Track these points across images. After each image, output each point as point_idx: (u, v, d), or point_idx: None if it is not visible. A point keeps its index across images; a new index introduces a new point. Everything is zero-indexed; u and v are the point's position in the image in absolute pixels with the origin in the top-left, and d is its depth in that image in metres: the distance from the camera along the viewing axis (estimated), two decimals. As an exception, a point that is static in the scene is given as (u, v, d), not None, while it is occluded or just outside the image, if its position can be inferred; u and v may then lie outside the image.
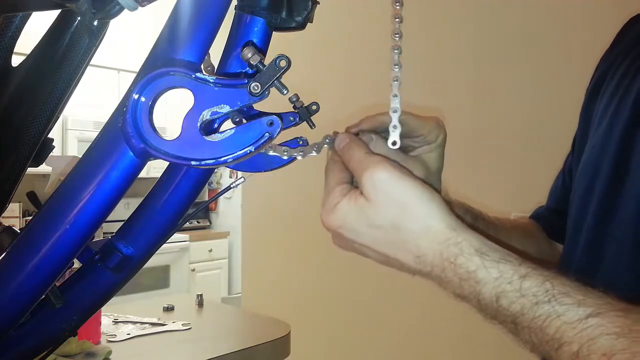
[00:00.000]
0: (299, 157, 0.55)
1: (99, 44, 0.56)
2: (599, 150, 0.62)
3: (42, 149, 0.60)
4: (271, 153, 0.54)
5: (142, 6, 0.45)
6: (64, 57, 0.54)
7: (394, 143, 0.54)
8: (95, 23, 0.53)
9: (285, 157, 0.54)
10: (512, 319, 0.43)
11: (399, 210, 0.47)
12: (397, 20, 0.53)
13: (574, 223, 0.65)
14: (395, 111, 0.54)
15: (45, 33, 0.55)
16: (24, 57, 0.57)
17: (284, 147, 0.54)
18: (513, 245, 0.71)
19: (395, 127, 0.54)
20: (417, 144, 0.58)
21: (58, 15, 0.55)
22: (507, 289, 0.43)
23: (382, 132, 0.57)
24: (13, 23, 0.54)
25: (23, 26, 0.55)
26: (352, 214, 0.48)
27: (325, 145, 0.55)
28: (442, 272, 0.46)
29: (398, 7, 0.53)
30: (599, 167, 0.61)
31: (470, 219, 0.66)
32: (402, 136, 0.56)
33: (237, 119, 0.48)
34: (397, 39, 0.53)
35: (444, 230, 0.46)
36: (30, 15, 0.55)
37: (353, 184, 0.52)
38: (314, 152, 0.55)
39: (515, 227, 0.75)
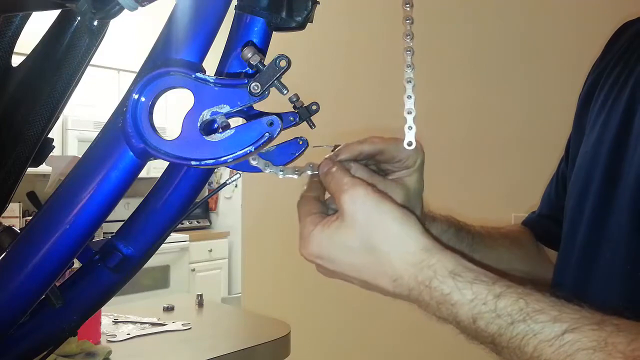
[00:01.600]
0: (279, 176, 0.55)
1: (99, 44, 0.56)
2: (591, 156, 0.62)
3: (42, 149, 0.60)
4: (253, 164, 0.54)
5: (142, 6, 0.45)
6: (64, 57, 0.54)
7: (409, 144, 0.54)
8: (96, 23, 0.53)
9: (266, 171, 0.55)
10: (490, 339, 0.43)
11: (373, 229, 0.47)
12: (408, 22, 0.53)
13: (568, 227, 0.65)
14: (409, 112, 0.54)
15: (45, 33, 0.55)
16: (24, 57, 0.57)
17: (265, 161, 0.55)
18: (500, 252, 0.71)
19: (410, 127, 0.54)
20: (395, 168, 0.58)
21: (58, 15, 0.55)
22: (483, 309, 0.43)
23: (361, 161, 0.57)
24: (13, 23, 0.54)
25: (23, 26, 0.55)
26: (326, 240, 0.49)
27: (308, 172, 0.56)
28: (419, 294, 0.46)
29: (408, 9, 0.53)
30: (591, 174, 0.61)
31: (454, 232, 0.66)
32: (380, 162, 0.57)
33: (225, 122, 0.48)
34: (408, 40, 0.53)
35: (418, 252, 0.46)
36: (30, 15, 0.55)
37: (328, 213, 0.52)
38: (295, 175, 0.56)
39: (503, 236, 0.75)
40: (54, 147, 0.64)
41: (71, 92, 0.58)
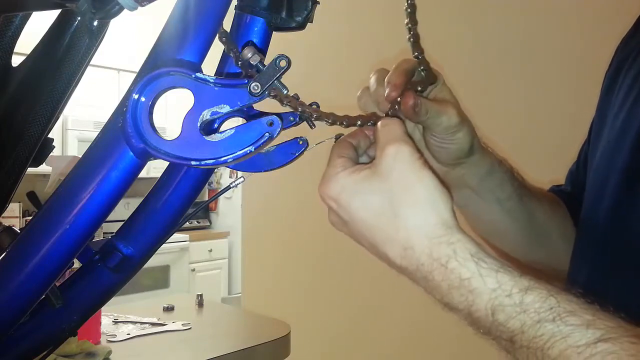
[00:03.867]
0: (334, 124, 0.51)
1: (99, 44, 0.56)
2: (613, 146, 0.59)
3: (42, 149, 0.60)
4: (314, 118, 0.50)
5: (142, 6, 0.45)
6: (64, 57, 0.54)
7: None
8: (96, 23, 0.53)
9: (328, 123, 0.51)
10: (508, 336, 0.39)
11: (403, 191, 0.44)
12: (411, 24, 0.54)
13: (586, 220, 0.61)
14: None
15: (46, 33, 0.55)
16: (24, 57, 0.57)
17: (330, 112, 0.50)
18: (544, 206, 0.67)
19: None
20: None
21: (58, 15, 0.55)
22: (506, 302, 0.39)
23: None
24: (13, 23, 0.54)
25: (23, 26, 0.55)
26: (351, 185, 0.45)
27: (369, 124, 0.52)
28: (430, 273, 0.42)
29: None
30: (612, 166, 0.58)
31: (509, 175, 0.64)
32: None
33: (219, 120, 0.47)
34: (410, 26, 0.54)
35: (438, 226, 0.42)
36: (30, 15, 0.55)
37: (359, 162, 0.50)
38: (357, 124, 0.52)
39: (545, 193, 0.71)
40: (54, 147, 0.64)
41: (71, 92, 0.58)
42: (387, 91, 0.53)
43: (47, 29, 0.55)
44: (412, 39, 0.56)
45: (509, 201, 0.65)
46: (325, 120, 0.50)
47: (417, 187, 0.44)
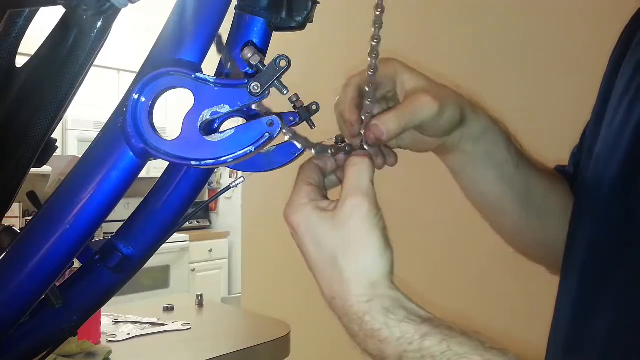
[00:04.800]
0: (313, 152, 0.54)
1: (102, 45, 0.56)
2: (611, 144, 0.58)
3: (45, 150, 0.60)
4: (286, 138, 0.53)
5: (132, 3, 0.45)
6: (68, 58, 0.54)
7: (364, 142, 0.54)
8: (100, 24, 0.53)
9: (299, 147, 0.53)
10: None
11: (348, 244, 0.47)
12: (377, 25, 0.54)
13: (583, 208, 0.60)
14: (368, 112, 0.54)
15: (50, 33, 0.55)
16: (28, 57, 0.57)
17: (303, 137, 0.53)
18: (543, 181, 0.67)
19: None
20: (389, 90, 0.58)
21: (62, 16, 0.54)
22: (409, 349, 0.44)
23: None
24: (17, 24, 0.54)
25: (27, 27, 0.55)
26: (311, 223, 0.49)
27: (342, 154, 0.54)
28: (350, 323, 0.47)
29: (379, 13, 0.54)
30: (610, 164, 0.57)
31: (503, 140, 0.64)
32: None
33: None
34: (375, 44, 0.54)
35: (365, 285, 0.47)
36: (34, 16, 0.55)
37: (325, 185, 0.53)
38: (329, 152, 0.54)
39: (546, 168, 0.71)
40: (57, 147, 0.64)
41: (75, 93, 0.58)
42: (348, 129, 0.56)
43: (51, 30, 0.55)
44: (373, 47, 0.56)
45: (505, 165, 0.64)
46: (300, 143, 0.53)
47: (361, 245, 0.47)
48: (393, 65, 0.58)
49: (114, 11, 0.50)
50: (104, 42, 0.55)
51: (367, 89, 0.55)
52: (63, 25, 0.54)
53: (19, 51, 0.56)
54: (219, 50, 0.49)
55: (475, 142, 0.62)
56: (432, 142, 0.61)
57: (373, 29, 0.54)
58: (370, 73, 0.55)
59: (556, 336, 0.61)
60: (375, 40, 0.54)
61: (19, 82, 0.56)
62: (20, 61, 0.56)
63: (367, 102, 0.55)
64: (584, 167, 0.65)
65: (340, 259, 0.47)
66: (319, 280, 0.49)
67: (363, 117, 0.56)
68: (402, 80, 0.58)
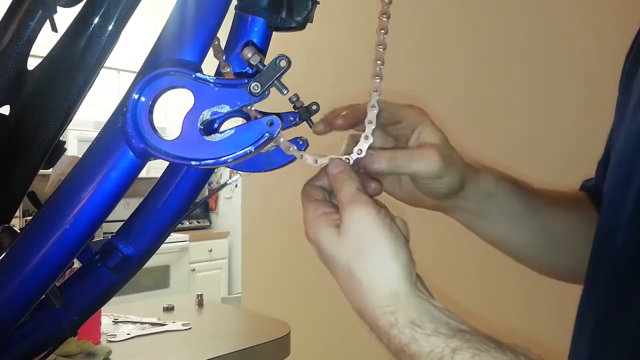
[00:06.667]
0: (298, 158, 0.54)
1: (112, 48, 0.56)
2: (632, 146, 0.55)
3: (54, 152, 0.60)
4: (271, 144, 0.52)
5: None
6: (79, 61, 0.54)
7: (359, 152, 0.53)
8: (111, 27, 0.53)
9: (287, 153, 0.54)
10: None
11: (357, 255, 0.46)
12: (382, 32, 0.53)
13: (603, 229, 0.58)
14: (370, 122, 0.53)
15: (61, 36, 0.55)
16: (40, 60, 0.57)
17: (290, 144, 0.53)
18: (558, 213, 0.66)
19: (367, 137, 0.53)
20: (403, 130, 0.57)
21: (74, 19, 0.55)
22: None
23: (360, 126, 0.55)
24: (29, 27, 0.54)
25: (39, 30, 0.55)
26: (325, 236, 0.48)
27: (325, 163, 0.54)
28: (378, 336, 0.46)
29: (385, 19, 0.53)
30: (635, 160, 0.54)
31: (510, 187, 0.62)
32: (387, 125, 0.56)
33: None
34: (380, 50, 0.53)
35: (386, 296, 0.45)
36: (47, 18, 0.55)
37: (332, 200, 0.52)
38: (312, 162, 0.54)
39: (563, 196, 0.69)
40: (66, 149, 0.64)
41: (85, 95, 0.58)
42: (334, 119, 0.55)
43: (63, 32, 0.56)
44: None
45: (517, 216, 0.63)
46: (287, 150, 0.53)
47: (369, 251, 0.46)
48: (421, 115, 0.57)
49: (124, 15, 0.50)
50: (114, 45, 0.55)
51: (368, 113, 0.54)
52: (75, 28, 0.54)
53: (31, 53, 0.56)
54: (216, 55, 0.49)
55: (479, 204, 0.61)
56: (429, 202, 0.60)
57: (378, 36, 0.54)
58: (376, 80, 0.54)
59: (578, 345, 0.59)
60: (380, 47, 0.53)
61: (31, 84, 0.56)
62: (32, 63, 0.56)
63: (370, 107, 0.55)
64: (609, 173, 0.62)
65: (355, 270, 0.46)
66: (345, 295, 0.48)
67: (364, 136, 0.54)
68: (421, 130, 0.57)
